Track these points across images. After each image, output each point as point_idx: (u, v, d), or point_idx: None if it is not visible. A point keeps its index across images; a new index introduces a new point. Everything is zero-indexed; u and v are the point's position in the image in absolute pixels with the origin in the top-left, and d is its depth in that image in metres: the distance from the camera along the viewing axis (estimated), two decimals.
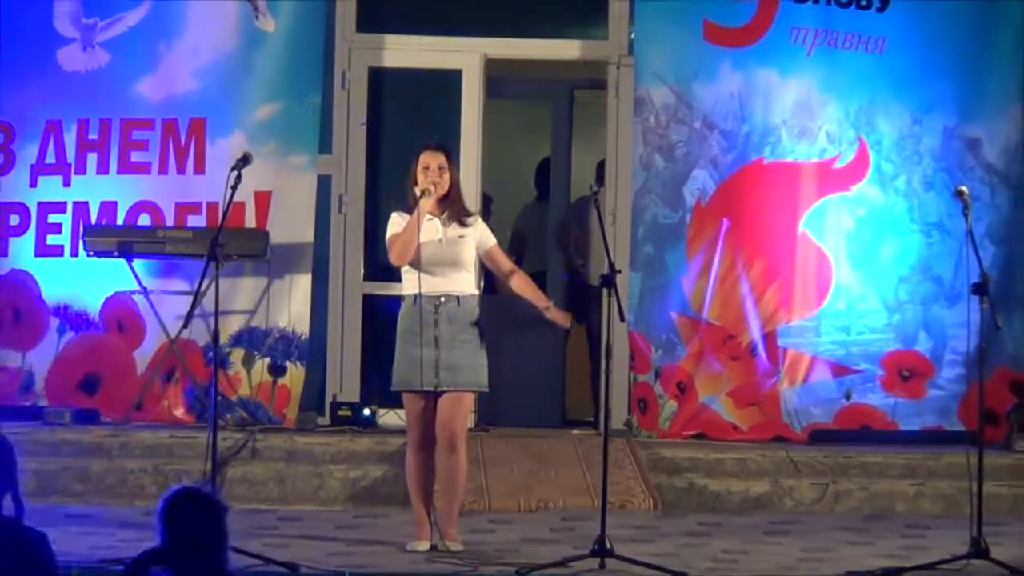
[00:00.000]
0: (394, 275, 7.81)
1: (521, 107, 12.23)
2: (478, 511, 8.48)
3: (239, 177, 7.39)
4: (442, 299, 7.36)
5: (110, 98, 10.02)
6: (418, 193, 7.36)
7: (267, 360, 9.87)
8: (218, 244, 7.28)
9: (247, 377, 9.87)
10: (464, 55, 10.30)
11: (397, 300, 7.62)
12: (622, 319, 7.19)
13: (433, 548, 7.36)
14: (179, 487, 4.42)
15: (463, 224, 7.46)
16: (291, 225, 9.88)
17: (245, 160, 7.54)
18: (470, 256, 7.48)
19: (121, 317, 9.96)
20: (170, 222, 9.90)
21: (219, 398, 7.69)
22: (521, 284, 7.60)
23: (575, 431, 10.19)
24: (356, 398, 10.03)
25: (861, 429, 9.87)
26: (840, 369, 9.91)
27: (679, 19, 9.96)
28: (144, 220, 9.95)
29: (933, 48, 9.97)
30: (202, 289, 7.62)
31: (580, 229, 10.95)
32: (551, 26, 10.47)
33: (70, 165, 10.05)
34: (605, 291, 7.11)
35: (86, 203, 10.01)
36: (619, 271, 7.26)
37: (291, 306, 9.91)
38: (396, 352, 7.42)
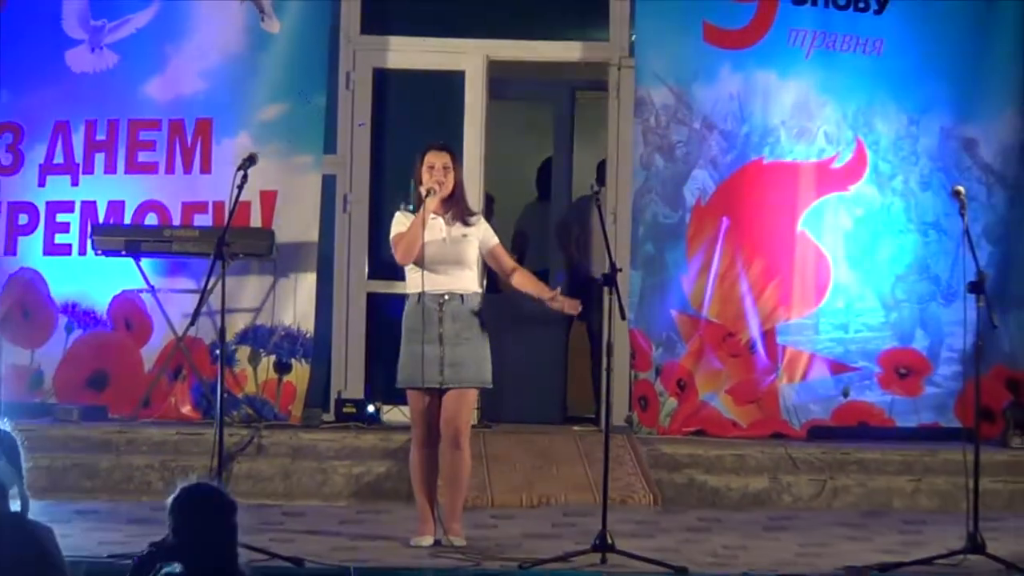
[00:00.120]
0: (398, 273, 7.81)
1: (523, 108, 12.23)
2: (481, 507, 8.48)
3: (245, 177, 7.39)
4: (446, 297, 7.36)
5: (118, 99, 10.02)
6: (423, 192, 7.36)
7: (273, 357, 9.88)
8: (224, 243, 7.28)
9: (253, 374, 9.87)
10: (467, 56, 10.30)
11: (401, 298, 7.62)
12: (623, 317, 7.19)
13: (436, 543, 7.37)
14: (190, 483, 4.42)
15: (466, 223, 7.47)
16: (296, 224, 9.88)
17: (251, 160, 7.54)
18: (473, 255, 7.49)
19: (128, 315, 9.96)
20: (177, 221, 9.90)
21: (225, 395, 7.66)
22: (523, 280, 7.60)
23: (576, 428, 10.19)
24: (360, 395, 10.03)
25: (859, 426, 9.87)
26: (838, 367, 9.91)
27: (679, 21, 9.96)
28: (151, 219, 9.95)
29: (930, 50, 9.98)
30: (208, 287, 7.62)
31: (581, 228, 10.95)
32: (553, 28, 10.47)
33: (78, 165, 10.06)
34: (606, 289, 7.11)
35: (94, 202, 10.02)
36: (620, 270, 7.25)
37: (296, 304, 9.91)
38: (401, 350, 7.43)
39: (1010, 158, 10.02)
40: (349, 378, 10.18)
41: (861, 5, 9.99)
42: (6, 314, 10.02)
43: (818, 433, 9.76)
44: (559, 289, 7.54)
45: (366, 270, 10.25)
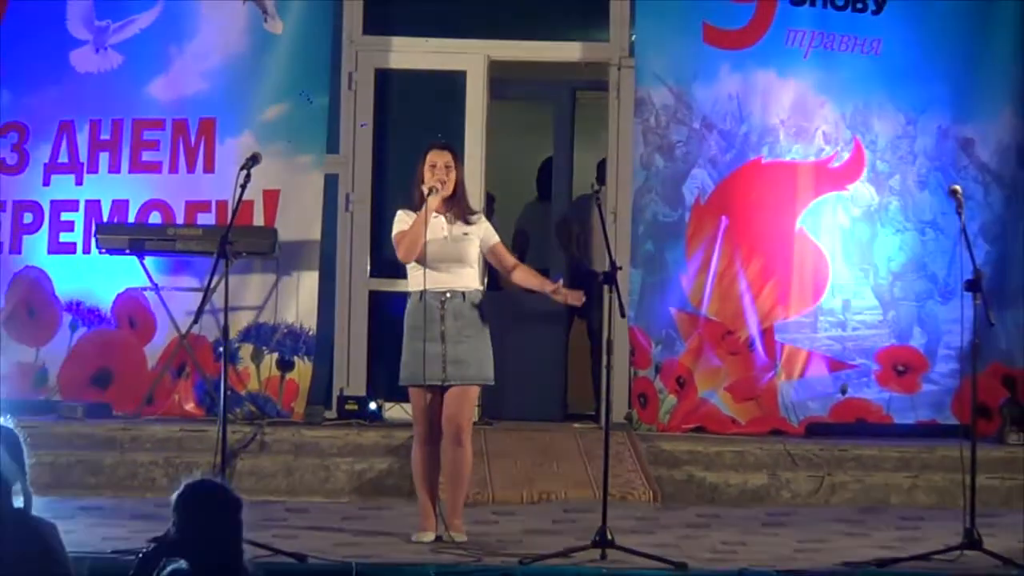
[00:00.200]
0: (399, 272, 7.81)
1: (524, 108, 12.22)
2: (482, 503, 8.48)
3: (248, 176, 7.39)
4: (448, 295, 7.37)
5: (122, 99, 10.02)
6: (425, 191, 7.36)
7: (275, 355, 9.88)
8: (227, 241, 7.28)
9: (256, 372, 9.87)
10: (468, 57, 10.30)
11: (402, 296, 7.62)
12: (623, 315, 7.19)
13: (438, 539, 7.37)
14: (195, 480, 4.41)
15: (468, 222, 7.47)
16: (299, 223, 9.88)
17: (254, 159, 7.54)
18: (474, 253, 7.50)
19: (132, 313, 9.97)
20: (180, 220, 9.90)
21: (228, 392, 7.67)
22: (525, 276, 7.61)
23: (577, 425, 10.19)
24: (362, 392, 10.03)
25: (857, 423, 9.87)
26: (836, 364, 9.92)
27: (679, 22, 9.96)
28: (155, 218, 9.95)
29: (928, 50, 9.98)
30: (212, 285, 7.62)
31: (581, 226, 10.95)
32: (553, 29, 10.47)
33: (82, 164, 10.06)
34: (606, 288, 7.11)
35: (98, 201, 10.02)
36: (620, 268, 7.25)
37: (299, 302, 9.91)
38: (403, 348, 7.43)
39: (1007, 158, 10.02)
40: (351, 375, 10.18)
41: (859, 5, 9.99)
42: (11, 312, 10.03)
43: (816, 430, 9.77)
44: (561, 282, 7.52)
45: (368, 268, 10.25)
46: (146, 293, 9.90)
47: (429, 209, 7.34)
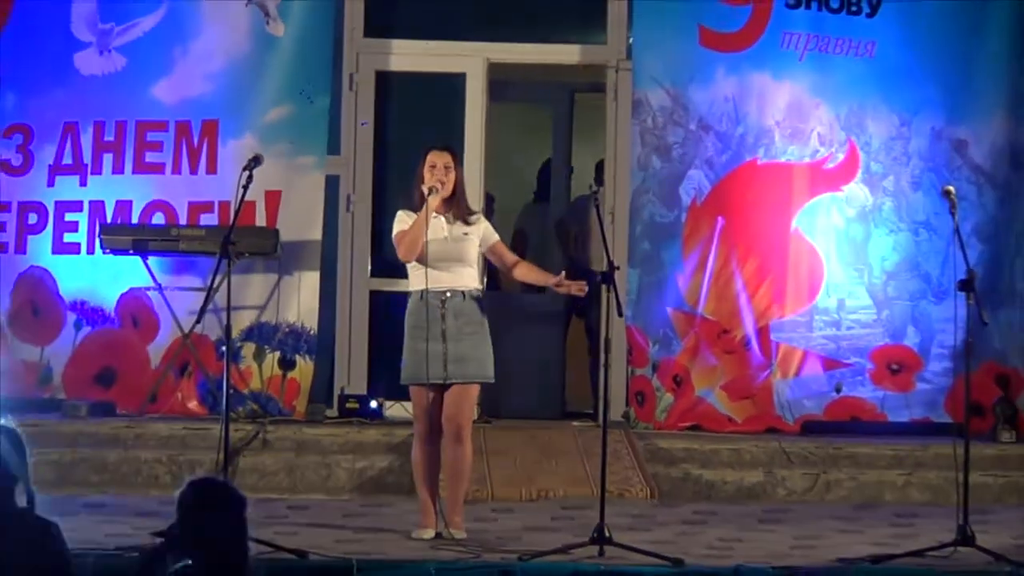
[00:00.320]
0: (400, 272, 7.81)
1: (523, 109, 12.23)
2: (481, 500, 8.48)
3: (250, 177, 7.39)
4: (448, 294, 7.37)
5: (125, 101, 10.02)
6: (425, 191, 7.36)
7: (277, 354, 9.88)
8: (230, 242, 7.27)
9: (258, 371, 9.87)
10: (468, 59, 10.30)
11: (403, 296, 7.62)
12: (620, 314, 7.18)
13: (438, 536, 7.37)
14: (199, 478, 4.41)
15: (467, 222, 7.48)
16: (300, 223, 9.88)
17: (256, 161, 7.54)
18: (474, 252, 7.50)
19: (136, 312, 9.97)
20: (183, 220, 9.90)
21: (231, 391, 7.68)
22: (526, 272, 7.63)
23: (575, 423, 10.19)
24: (363, 391, 10.03)
25: (851, 421, 9.88)
26: (831, 363, 9.92)
27: (675, 25, 9.96)
28: (158, 219, 9.95)
29: (921, 52, 9.98)
30: (214, 285, 7.61)
31: (579, 227, 10.96)
32: (552, 31, 10.47)
33: (87, 165, 10.06)
34: (604, 287, 7.11)
35: (102, 202, 10.02)
36: (618, 268, 7.25)
37: (300, 302, 9.91)
38: (404, 347, 7.42)
39: (1000, 159, 10.02)
40: (352, 374, 10.18)
41: (854, 8, 10.00)
42: (16, 311, 10.03)
43: (811, 428, 9.77)
44: (563, 274, 7.51)
45: (369, 268, 10.25)
46: (149, 293, 9.90)
47: (429, 209, 7.34)
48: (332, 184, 10.11)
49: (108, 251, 9.78)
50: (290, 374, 9.86)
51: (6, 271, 10.06)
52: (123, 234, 9.77)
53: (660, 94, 9.95)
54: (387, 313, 9.72)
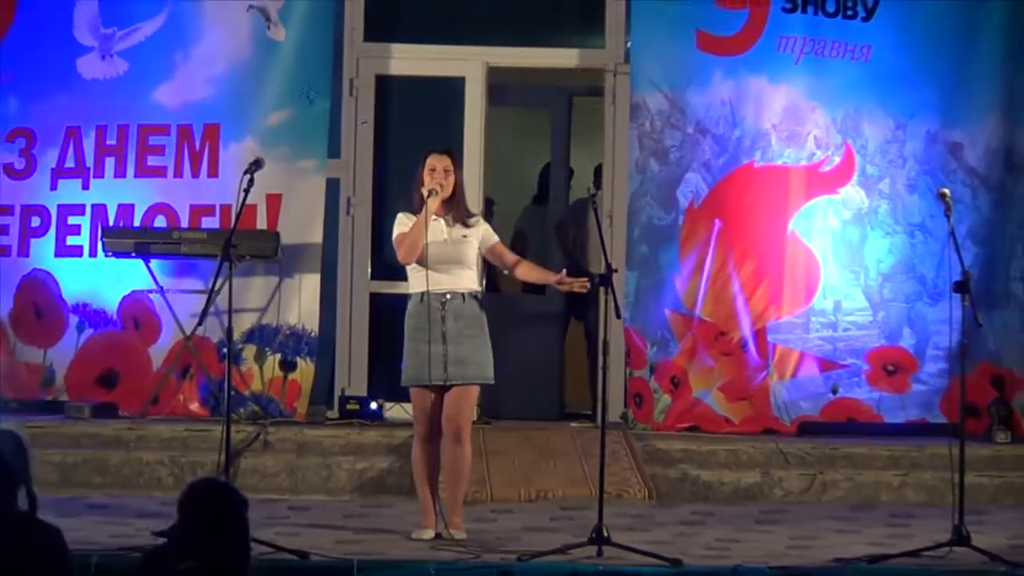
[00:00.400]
0: (400, 274, 7.81)
1: (522, 113, 12.22)
2: (481, 501, 8.48)
3: (251, 180, 7.39)
4: (448, 296, 7.37)
5: (127, 105, 10.02)
6: (425, 193, 7.37)
7: (278, 356, 9.88)
8: (231, 245, 7.28)
9: (259, 372, 9.87)
10: (467, 63, 10.30)
11: (403, 298, 7.62)
12: (618, 316, 7.20)
13: (438, 536, 7.37)
14: (200, 479, 4.40)
15: (467, 225, 7.48)
16: (301, 226, 9.88)
17: (257, 164, 7.54)
18: (473, 255, 7.50)
19: (138, 315, 9.97)
20: (185, 224, 9.90)
21: (232, 393, 7.68)
22: (527, 271, 7.65)
23: (573, 424, 10.19)
24: (364, 392, 10.03)
25: (847, 422, 9.88)
26: (827, 364, 9.92)
27: (673, 29, 9.96)
28: (160, 222, 9.95)
29: (917, 56, 9.98)
30: (216, 288, 7.62)
31: (578, 229, 10.96)
32: (550, 36, 10.48)
33: (89, 169, 10.06)
34: (602, 289, 7.11)
35: (104, 205, 10.02)
36: (616, 270, 7.25)
37: (301, 304, 9.91)
38: (405, 348, 7.42)
39: (995, 162, 10.02)
40: (353, 376, 10.18)
41: (850, 13, 10.00)
42: (19, 314, 10.03)
43: (808, 429, 9.77)
44: (564, 271, 7.52)
45: (369, 271, 10.25)
46: (151, 295, 9.90)
47: (428, 212, 7.34)
48: (332, 187, 10.11)
49: (110, 254, 9.78)
50: (291, 376, 9.86)
51: (9, 274, 10.07)
52: (125, 237, 9.77)
53: (658, 98, 9.96)
54: (387, 315, 9.72)
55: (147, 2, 10.04)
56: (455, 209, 7.47)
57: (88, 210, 10.03)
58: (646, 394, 9.90)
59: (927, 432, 9.61)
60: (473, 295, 7.44)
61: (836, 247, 9.98)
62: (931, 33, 9.98)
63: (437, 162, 7.46)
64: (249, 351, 9.86)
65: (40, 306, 10.04)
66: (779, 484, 9.02)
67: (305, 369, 9.88)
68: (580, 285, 7.40)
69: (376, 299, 10.20)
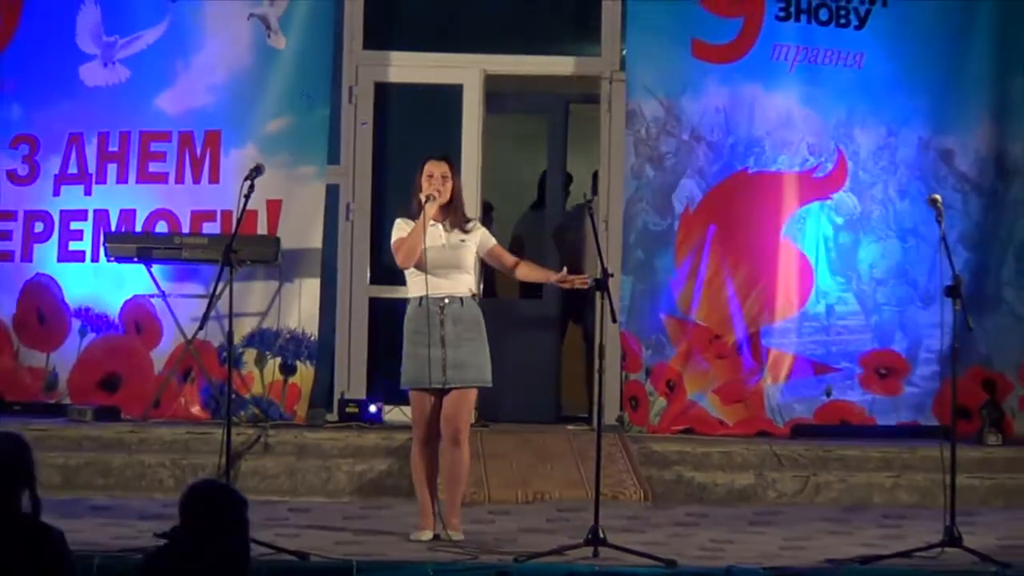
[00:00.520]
0: (398, 279, 7.81)
1: (519, 120, 12.23)
2: (478, 502, 8.48)
3: (252, 186, 7.39)
4: (446, 300, 7.37)
5: (129, 112, 10.03)
6: (423, 199, 7.37)
7: (278, 360, 9.88)
8: (232, 250, 7.28)
9: (259, 376, 9.87)
10: (465, 71, 10.31)
11: (402, 302, 7.62)
12: (614, 320, 7.20)
13: (436, 537, 7.37)
14: (201, 480, 4.41)
15: (464, 230, 7.48)
16: (301, 232, 9.89)
17: (257, 170, 7.54)
18: (471, 259, 7.51)
19: (139, 319, 9.97)
20: (186, 229, 9.90)
21: (233, 396, 7.67)
22: (528, 271, 7.66)
23: (570, 427, 10.18)
24: (363, 395, 10.03)
25: (840, 424, 9.88)
26: (820, 367, 9.92)
27: (668, 37, 9.97)
28: (161, 227, 9.95)
29: (909, 64, 9.99)
30: (217, 292, 7.62)
31: (576, 234, 10.96)
32: (547, 43, 10.49)
33: (91, 175, 10.07)
34: (598, 294, 7.12)
35: (106, 211, 10.03)
36: (612, 275, 7.26)
37: (301, 308, 9.91)
38: (404, 352, 7.42)
39: (985, 168, 10.03)
40: (352, 379, 10.18)
41: (843, 21, 10.01)
42: (23, 318, 10.03)
43: (801, 431, 9.77)
44: (564, 269, 7.52)
45: (368, 275, 10.25)
46: (153, 300, 9.90)
47: (426, 217, 7.35)
48: (332, 193, 10.11)
49: (112, 259, 9.79)
50: (291, 379, 9.86)
51: (13, 279, 10.08)
52: (127, 242, 9.77)
53: (653, 105, 9.96)
54: (386, 319, 9.72)
55: (149, 10, 10.05)
56: (453, 214, 7.47)
57: (90, 215, 10.03)
58: (642, 397, 9.91)
59: (919, 434, 9.61)
60: (471, 299, 7.44)
61: (829, 252, 9.98)
62: (923, 41, 10.00)
63: (435, 168, 7.46)
64: (250, 355, 9.86)
65: (43, 310, 10.04)
66: (773, 486, 9.02)
67: (305, 372, 9.88)
68: (581, 281, 7.39)
69: (375, 303, 10.20)
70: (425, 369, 7.30)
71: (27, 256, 10.09)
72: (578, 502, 8.31)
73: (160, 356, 9.90)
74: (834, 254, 9.99)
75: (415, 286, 7.41)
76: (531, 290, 10.94)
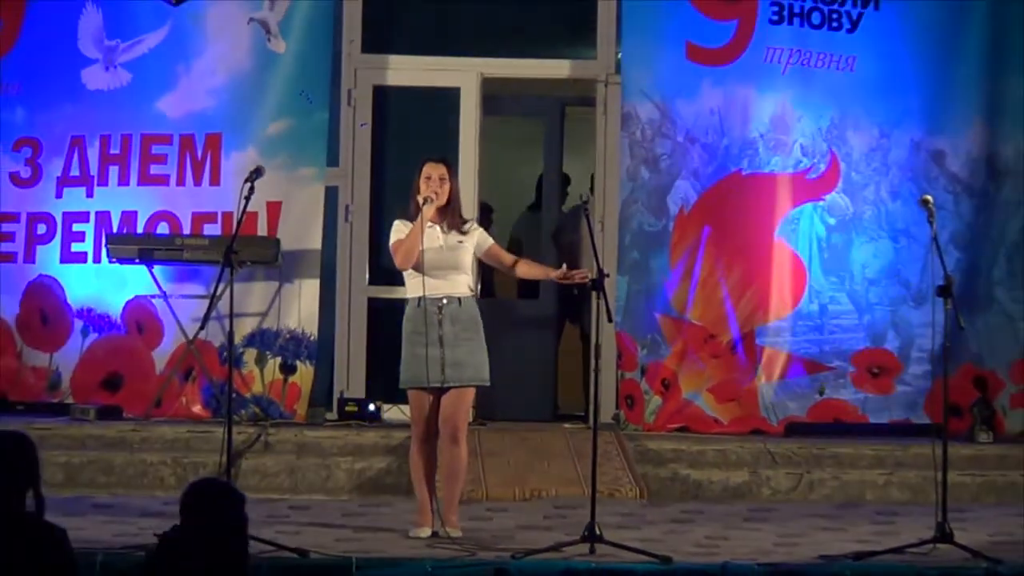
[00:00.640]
0: (396, 279, 7.81)
1: (516, 122, 12.23)
2: (476, 500, 8.48)
3: (252, 188, 7.39)
4: (444, 301, 7.37)
5: (131, 115, 10.03)
6: (420, 201, 7.37)
7: (278, 359, 9.88)
8: (232, 251, 7.28)
9: (260, 375, 9.87)
10: (462, 74, 10.31)
11: (400, 303, 7.62)
12: (610, 320, 7.20)
13: (434, 534, 7.37)
14: (200, 478, 4.41)
15: (462, 231, 7.49)
16: (300, 233, 9.89)
17: (258, 172, 7.54)
18: (468, 260, 7.51)
19: (141, 319, 9.97)
20: (187, 230, 9.90)
21: (234, 395, 7.67)
22: (528, 269, 7.67)
23: (567, 425, 10.17)
24: (362, 395, 10.03)
25: (834, 422, 9.88)
26: (814, 366, 9.92)
27: (663, 40, 9.97)
28: (163, 229, 9.95)
29: (901, 67, 10.00)
30: (217, 293, 7.61)
31: (572, 235, 10.96)
32: (543, 47, 10.49)
33: (93, 177, 10.07)
34: (594, 294, 7.12)
35: (108, 213, 10.02)
36: (607, 275, 7.25)
37: (300, 309, 9.91)
38: (403, 352, 7.42)
39: (976, 169, 10.04)
40: (351, 378, 10.18)
41: (835, 24, 10.01)
42: (26, 319, 10.03)
43: (795, 429, 9.77)
44: (564, 266, 7.52)
45: (367, 276, 10.25)
46: (154, 300, 9.90)
47: (424, 219, 7.35)
48: (331, 195, 10.11)
49: (114, 260, 9.79)
50: (291, 378, 9.86)
51: (16, 280, 10.08)
52: (129, 244, 9.77)
53: (648, 107, 9.97)
54: (385, 319, 9.72)
55: (150, 15, 10.04)
56: (450, 216, 7.47)
57: (92, 217, 10.03)
58: (637, 396, 9.91)
59: (911, 432, 9.61)
60: (469, 299, 7.44)
61: (822, 252, 9.98)
62: (914, 44, 10.00)
63: (433, 170, 7.46)
64: (250, 354, 9.86)
65: (46, 311, 10.04)
66: (767, 483, 9.02)
67: (305, 372, 9.88)
68: (581, 277, 7.39)
69: (374, 304, 10.20)
70: (423, 369, 7.30)
71: (30, 257, 10.09)
72: (575, 499, 8.31)
73: (161, 356, 9.90)
74: (827, 254, 9.99)
75: (413, 287, 7.41)
76: (528, 290, 10.95)
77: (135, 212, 10.00)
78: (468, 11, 10.60)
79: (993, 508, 8.66)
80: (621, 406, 9.94)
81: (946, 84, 9.99)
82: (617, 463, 9.04)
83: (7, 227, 10.13)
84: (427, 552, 6.97)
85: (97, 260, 9.98)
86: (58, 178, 10.09)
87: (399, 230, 7.46)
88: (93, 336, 10.00)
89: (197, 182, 9.97)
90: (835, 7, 10.00)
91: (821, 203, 10.00)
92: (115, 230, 9.95)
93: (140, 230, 9.94)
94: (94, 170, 10.05)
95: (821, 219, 10.00)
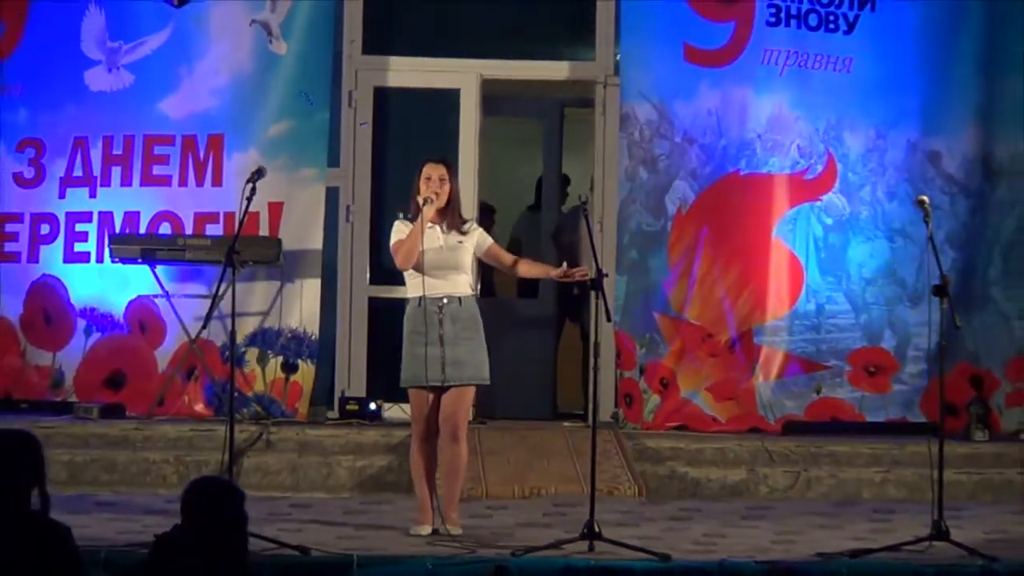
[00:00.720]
0: (397, 279, 7.81)
1: (515, 123, 12.24)
2: (476, 497, 8.48)
3: (254, 189, 7.39)
4: (445, 300, 7.37)
5: (133, 116, 10.03)
6: (421, 202, 7.38)
7: (280, 358, 9.88)
8: (234, 251, 7.28)
9: (262, 374, 9.87)
10: (462, 75, 10.31)
11: (401, 302, 7.62)
12: (608, 319, 7.19)
13: (435, 532, 7.37)
14: (199, 477, 4.42)
15: (462, 231, 7.49)
16: (302, 233, 9.89)
17: (259, 173, 7.54)
18: (468, 260, 7.51)
19: (143, 319, 9.97)
20: (189, 231, 9.90)
21: (236, 394, 7.68)
22: (528, 268, 7.67)
23: (566, 424, 10.18)
24: (363, 393, 10.03)
25: (831, 421, 9.88)
26: (811, 365, 9.93)
27: (661, 42, 9.97)
28: (165, 229, 9.96)
29: (897, 68, 10.00)
30: (219, 293, 7.62)
31: (572, 235, 10.96)
32: (542, 49, 10.49)
33: (96, 178, 10.07)
34: (593, 293, 7.12)
35: (111, 213, 10.03)
36: (606, 275, 7.25)
37: (302, 308, 9.91)
38: (404, 351, 7.42)
39: (972, 170, 10.04)
40: (352, 377, 10.18)
41: (832, 26, 10.02)
42: (29, 318, 10.03)
43: (792, 428, 9.78)
44: (564, 264, 7.52)
45: (367, 276, 10.25)
46: (157, 300, 9.90)
47: (424, 219, 7.35)
48: (332, 195, 10.11)
49: (117, 260, 9.79)
50: (292, 377, 9.87)
51: (19, 279, 10.08)
52: (131, 244, 9.78)
53: (647, 108, 9.97)
54: (385, 319, 9.72)
55: (153, 17, 10.05)
56: (450, 216, 7.48)
57: (95, 218, 10.04)
58: (636, 394, 9.91)
59: (908, 431, 9.61)
60: (469, 299, 7.45)
61: (819, 252, 9.99)
62: (911, 46, 10.01)
63: (433, 171, 7.46)
64: (252, 354, 9.86)
65: (49, 310, 10.05)
66: (764, 481, 9.02)
67: (306, 371, 9.88)
68: (581, 274, 7.39)
69: (374, 303, 10.20)
70: (424, 368, 7.30)
71: (33, 257, 10.09)
72: (574, 497, 8.31)
73: (164, 355, 9.91)
74: (824, 254, 9.99)
75: (414, 287, 7.42)
76: (528, 290, 10.96)
77: (138, 212, 10.00)
78: (468, 13, 10.60)
79: (989, 506, 8.67)
80: (620, 405, 9.95)
81: (942, 85, 10.00)
82: (616, 461, 9.05)
83: (11, 227, 10.14)
84: (428, 550, 6.98)
85: (100, 260, 9.98)
86: (61, 179, 10.10)
87: (399, 231, 7.46)
88: (96, 335, 10.01)
89: (199, 183, 9.98)
90: (832, 9, 10.01)
91: (818, 203, 10.01)
92: (118, 230, 9.95)
93: (143, 230, 9.95)
94: (97, 171, 10.06)
95: (818, 219, 10.00)
